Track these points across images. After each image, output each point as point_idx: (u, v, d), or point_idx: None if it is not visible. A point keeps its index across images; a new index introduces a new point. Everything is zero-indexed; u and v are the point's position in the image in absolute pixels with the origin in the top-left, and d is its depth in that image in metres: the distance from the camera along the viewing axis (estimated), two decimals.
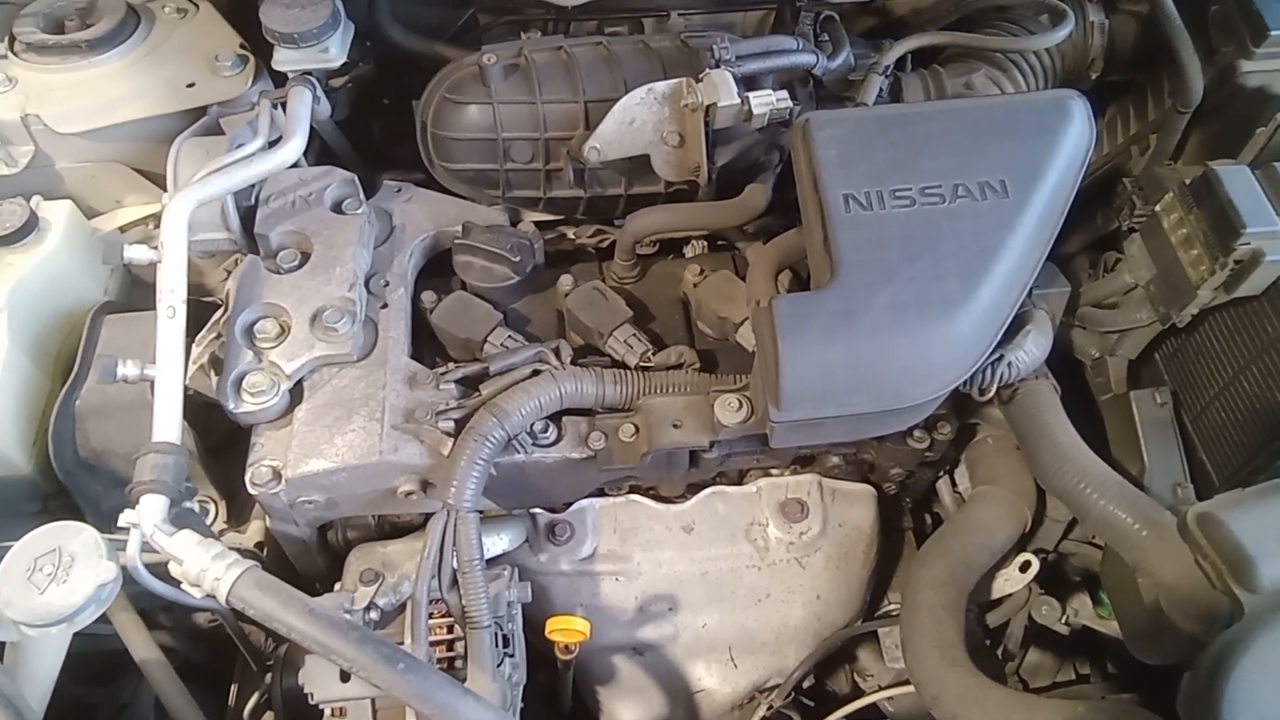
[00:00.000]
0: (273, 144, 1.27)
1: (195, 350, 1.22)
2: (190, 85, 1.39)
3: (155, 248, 1.15)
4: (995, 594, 1.39)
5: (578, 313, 1.31)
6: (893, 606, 1.45)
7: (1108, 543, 1.24)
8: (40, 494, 1.24)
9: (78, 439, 1.21)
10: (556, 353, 1.25)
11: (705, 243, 1.45)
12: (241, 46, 1.42)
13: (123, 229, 1.40)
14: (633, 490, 1.36)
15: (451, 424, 1.17)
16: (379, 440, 1.15)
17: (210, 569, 0.96)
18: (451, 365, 1.23)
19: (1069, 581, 1.45)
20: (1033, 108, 1.19)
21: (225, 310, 1.24)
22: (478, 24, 1.58)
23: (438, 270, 1.40)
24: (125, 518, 1.02)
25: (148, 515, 1.00)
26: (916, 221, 1.12)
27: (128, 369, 1.11)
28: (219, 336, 1.21)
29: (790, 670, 1.34)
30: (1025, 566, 1.36)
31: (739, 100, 1.22)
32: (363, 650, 0.92)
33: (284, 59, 1.34)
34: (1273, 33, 1.31)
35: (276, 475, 1.14)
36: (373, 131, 1.61)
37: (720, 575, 1.33)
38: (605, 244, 1.46)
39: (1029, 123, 1.17)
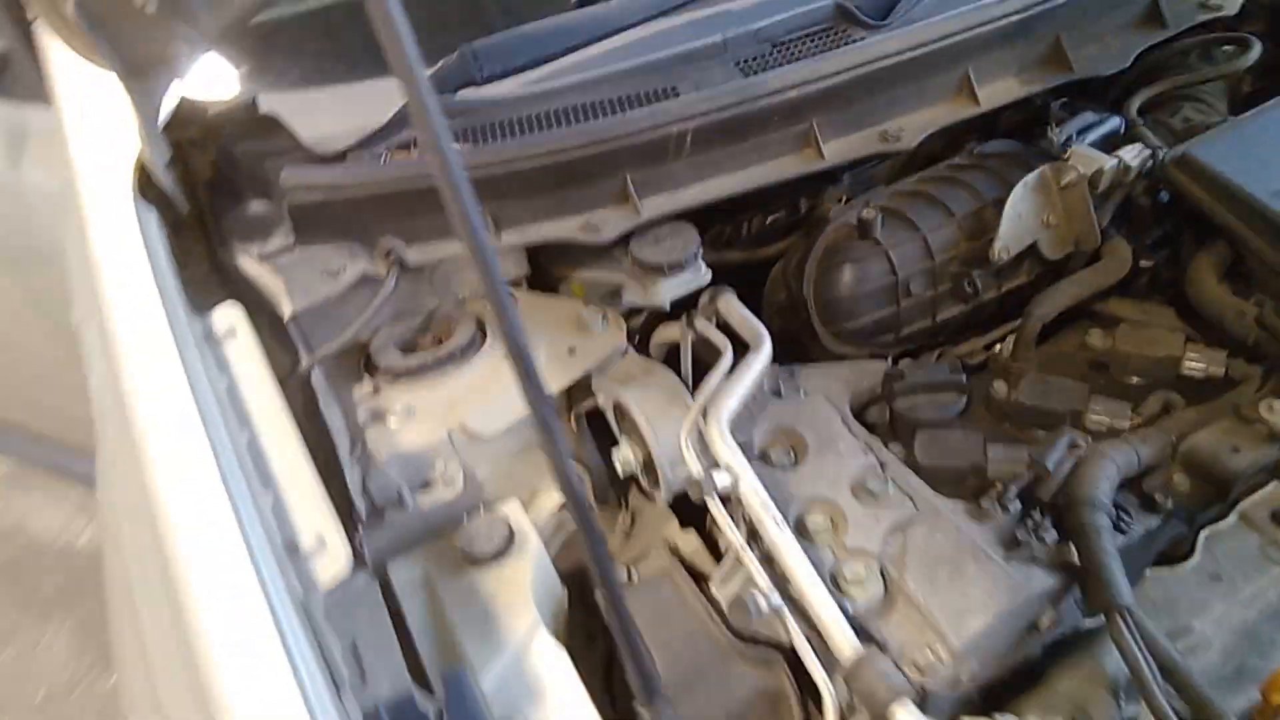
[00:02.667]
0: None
1: (723, 590, 1.14)
2: (571, 350, 1.39)
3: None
4: None
5: (1038, 404, 1.32)
6: None
7: None
8: None
9: None
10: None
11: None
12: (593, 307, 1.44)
13: (554, 513, 1.33)
14: None
15: (1054, 534, 1.13)
16: (1009, 576, 1.09)
17: None
18: (998, 486, 1.20)
19: None
20: None
21: (742, 532, 1.17)
22: None
23: None
24: None
25: None
26: None
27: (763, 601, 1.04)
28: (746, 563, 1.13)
29: None
30: None
31: (1116, 160, 1.34)
32: None
33: (667, 288, 1.36)
34: None
35: (940, 654, 1.04)
36: None
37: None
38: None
39: None
